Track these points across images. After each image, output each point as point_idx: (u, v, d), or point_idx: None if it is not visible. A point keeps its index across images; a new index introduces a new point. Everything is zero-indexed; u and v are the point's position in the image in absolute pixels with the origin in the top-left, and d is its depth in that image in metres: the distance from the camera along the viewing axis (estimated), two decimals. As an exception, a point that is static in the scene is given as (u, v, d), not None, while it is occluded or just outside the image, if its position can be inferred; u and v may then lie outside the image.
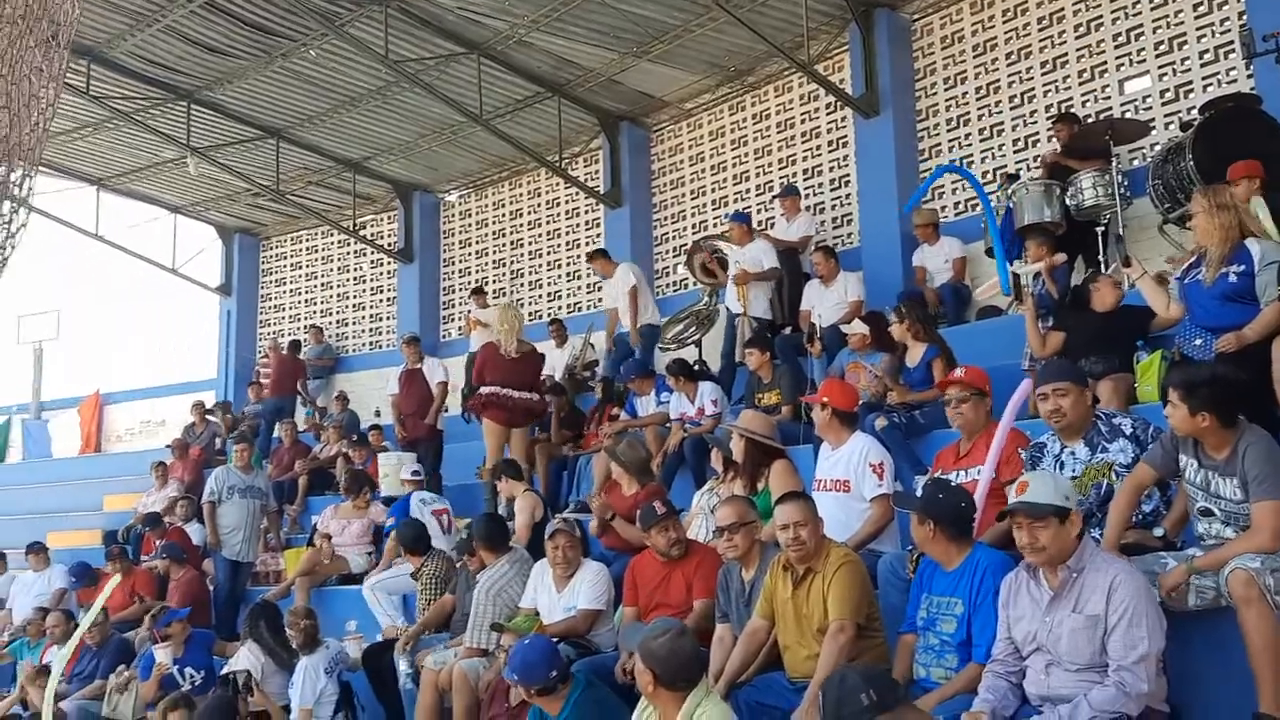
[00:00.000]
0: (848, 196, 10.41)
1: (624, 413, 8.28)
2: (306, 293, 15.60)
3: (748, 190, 11.31)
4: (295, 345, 14.04)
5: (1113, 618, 2.99)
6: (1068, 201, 7.51)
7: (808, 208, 10.21)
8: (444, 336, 14.02)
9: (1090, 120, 8.53)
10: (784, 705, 3.81)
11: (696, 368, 8.81)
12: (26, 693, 7.44)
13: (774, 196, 10.29)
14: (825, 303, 8.53)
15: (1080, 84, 9.02)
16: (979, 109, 9.63)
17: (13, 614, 9.73)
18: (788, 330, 8.91)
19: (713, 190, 11.65)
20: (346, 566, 8.53)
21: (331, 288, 15.40)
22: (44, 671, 7.47)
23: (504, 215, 13.74)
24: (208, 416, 13.44)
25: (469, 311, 13.27)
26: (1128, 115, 8.55)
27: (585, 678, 4.18)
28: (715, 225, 11.42)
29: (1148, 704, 2.97)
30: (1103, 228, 7.45)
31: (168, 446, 12.86)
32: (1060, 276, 6.38)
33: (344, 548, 8.60)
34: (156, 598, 8.71)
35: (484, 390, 8.25)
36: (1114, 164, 7.35)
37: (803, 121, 10.89)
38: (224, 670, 6.43)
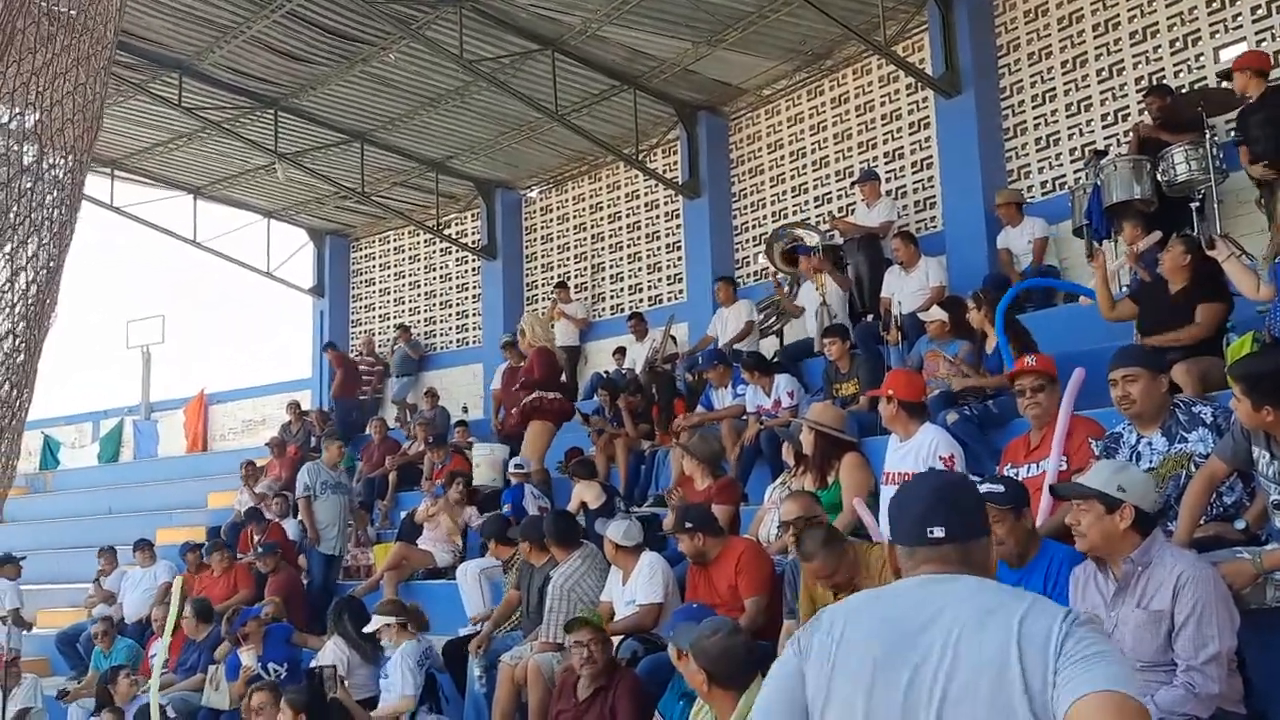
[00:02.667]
0: (930, 179, 10.16)
1: (700, 406, 8.23)
2: (395, 292, 15.93)
3: (827, 176, 11.13)
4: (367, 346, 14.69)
5: (1180, 615, 2.84)
6: (1159, 177, 7.19)
7: (888, 192, 10.00)
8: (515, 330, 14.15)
9: (1184, 91, 8.15)
10: None
11: (775, 360, 8.74)
12: (115, 684, 7.74)
13: (854, 182, 10.10)
14: (905, 289, 8.35)
15: (1172, 54, 8.62)
16: (1065, 84, 9.28)
17: (124, 608, 10.17)
18: (868, 318, 8.77)
19: (792, 177, 11.49)
20: (433, 561, 8.68)
21: (419, 286, 15.69)
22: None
23: (584, 209, 13.80)
24: (303, 415, 13.89)
25: (552, 304, 13.44)
26: (1223, 85, 8.13)
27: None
28: (795, 213, 11.27)
29: (1220, 705, 2.82)
30: (1197, 204, 7.11)
31: (266, 445, 13.31)
32: (1150, 259, 6.10)
33: (432, 542, 8.76)
34: (255, 592, 9.00)
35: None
36: (1208, 136, 7.00)
37: (882, 104, 10.66)
38: (312, 664, 6.61)
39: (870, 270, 9.12)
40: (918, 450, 4.64)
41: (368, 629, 6.53)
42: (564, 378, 10.18)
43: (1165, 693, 2.81)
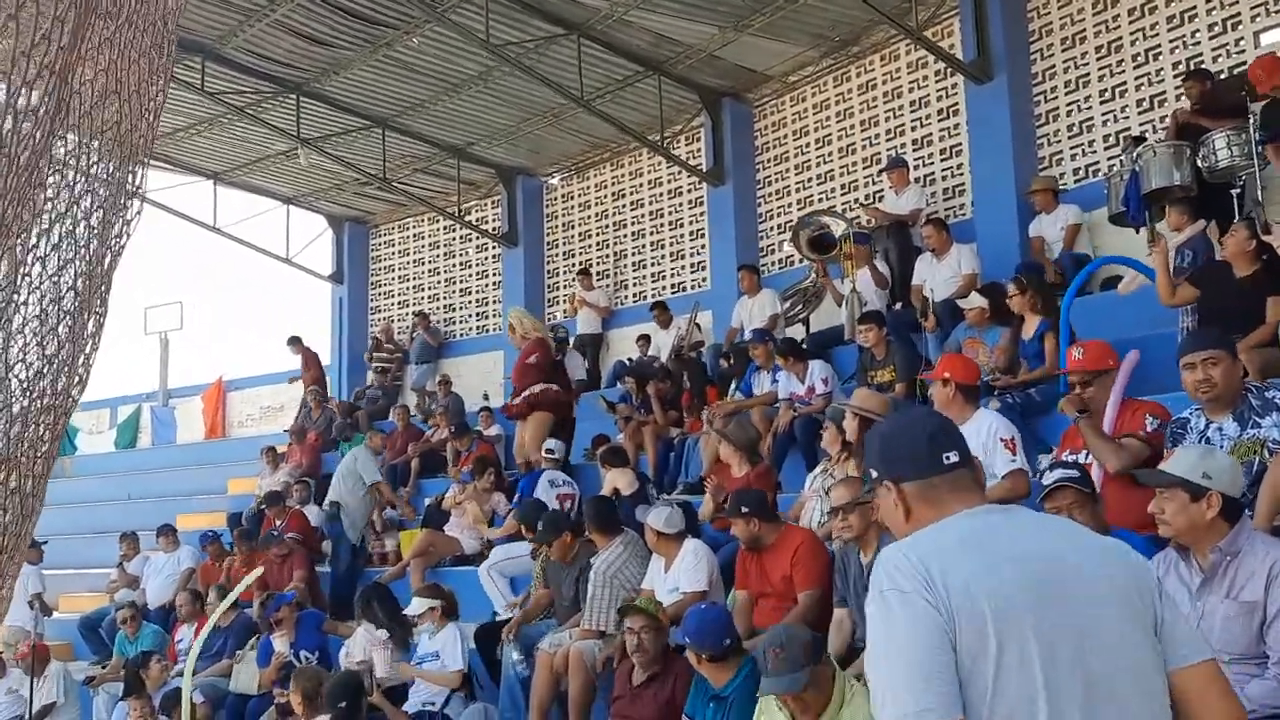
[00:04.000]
0: (959, 167, 10.05)
1: (738, 392, 8.16)
2: (414, 279, 15.88)
3: (854, 164, 11.03)
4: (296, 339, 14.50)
5: (1273, 607, 2.76)
6: (1199, 163, 7.08)
7: (917, 180, 9.90)
8: (549, 319, 14.08)
9: (1223, 77, 8.02)
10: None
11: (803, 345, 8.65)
12: (147, 669, 7.72)
13: (881, 170, 10.01)
14: (937, 277, 8.24)
15: (1211, 38, 8.49)
16: (1100, 69, 9.16)
17: (146, 594, 10.16)
18: (898, 306, 8.68)
19: (818, 164, 11.39)
20: (459, 548, 8.64)
21: (438, 273, 15.64)
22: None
23: (606, 197, 13.72)
24: (324, 402, 13.86)
25: (574, 293, 13.38)
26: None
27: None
28: (820, 201, 11.17)
29: (1312, 700, 2.74)
30: (1238, 190, 6.99)
31: (286, 431, 13.30)
32: (1199, 245, 6.00)
33: (459, 529, 8.72)
34: (276, 582, 8.97)
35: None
36: (1251, 122, 6.88)
37: (911, 90, 10.55)
38: (342, 654, 6.58)
39: (900, 258, 9.04)
40: (975, 434, 4.53)
41: (410, 610, 6.49)
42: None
43: (1257, 685, 2.73)
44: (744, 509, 4.71)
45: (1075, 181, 9.15)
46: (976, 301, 6.43)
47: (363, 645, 6.48)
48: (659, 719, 4.45)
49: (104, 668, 9.26)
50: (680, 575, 5.01)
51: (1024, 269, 6.96)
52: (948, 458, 1.81)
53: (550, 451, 8.73)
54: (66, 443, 18.83)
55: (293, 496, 10.72)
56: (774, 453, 7.16)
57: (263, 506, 10.75)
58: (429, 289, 15.71)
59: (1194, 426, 3.67)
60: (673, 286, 12.74)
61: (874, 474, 1.91)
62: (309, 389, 13.78)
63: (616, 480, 6.81)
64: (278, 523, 10.20)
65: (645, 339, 11.73)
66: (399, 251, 16.12)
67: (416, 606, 6.38)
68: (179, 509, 13.01)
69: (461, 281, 15.40)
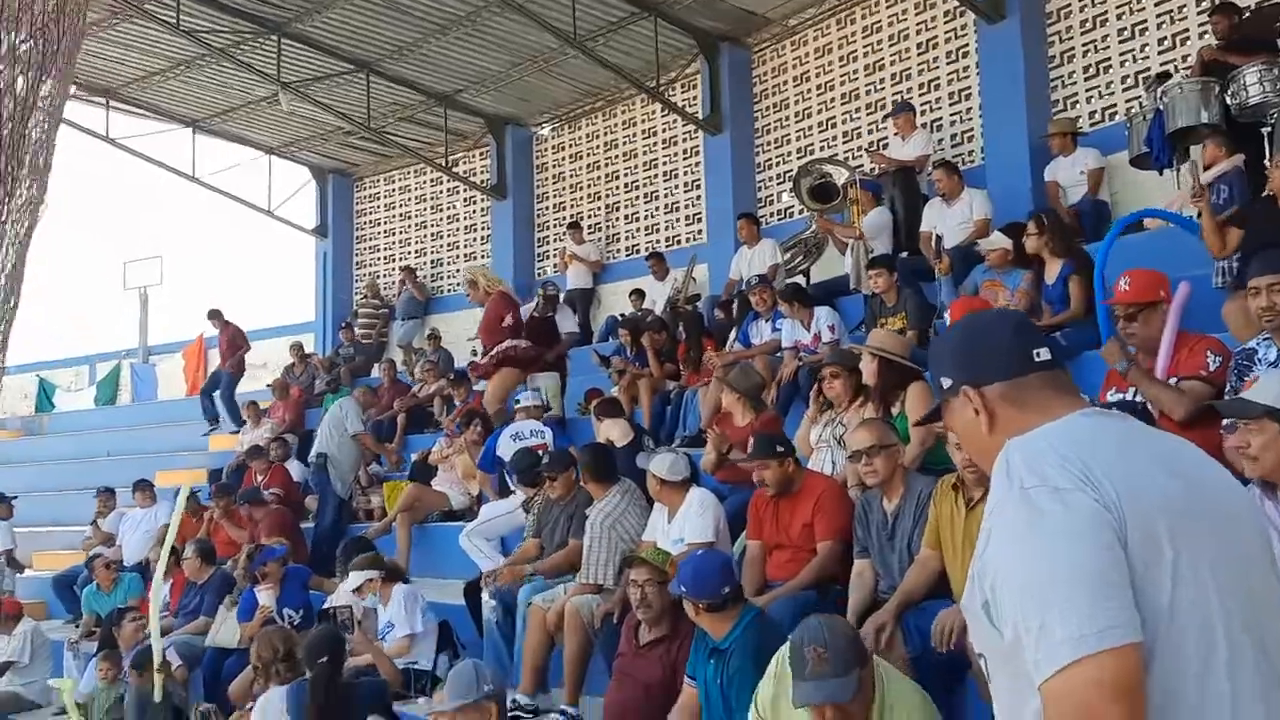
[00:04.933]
0: (968, 112, 9.67)
1: (736, 343, 7.81)
2: (400, 233, 15.44)
3: (857, 110, 10.62)
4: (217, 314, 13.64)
5: None
6: (1229, 100, 6.72)
7: (923, 125, 9.50)
8: (539, 274, 13.69)
9: (1249, 9, 7.64)
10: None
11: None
12: (120, 627, 7.40)
13: (887, 114, 9.61)
14: (948, 222, 7.90)
15: (1237, -27, 8.09)
16: (1118, 7, 8.76)
17: (123, 550, 9.84)
18: (903, 255, 8.35)
19: (819, 111, 10.98)
20: (448, 502, 8.32)
21: (425, 227, 15.20)
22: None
23: (598, 147, 13.28)
24: (306, 358, 13.51)
25: (564, 248, 12.98)
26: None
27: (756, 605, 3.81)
28: (822, 149, 10.78)
29: None
30: (1270, 129, 6.65)
31: (269, 387, 12.94)
32: (1235, 182, 5.66)
33: (447, 484, 8.39)
34: (252, 539, 8.65)
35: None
36: (1285, 56, 6.53)
37: (919, 32, 10.13)
38: (325, 605, 6.25)
39: (907, 206, 8.69)
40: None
41: (346, 586, 6.19)
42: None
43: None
44: (779, 448, 4.37)
45: (1091, 125, 8.78)
46: (999, 242, 6.08)
47: (346, 602, 6.15)
48: (665, 682, 4.14)
49: (77, 626, 8.95)
50: (685, 525, 4.67)
51: (1044, 212, 6.58)
52: (1038, 354, 1.52)
53: (519, 402, 8.39)
54: (44, 399, 18.44)
55: (274, 452, 10.38)
56: (778, 403, 6.82)
57: (244, 461, 10.43)
58: (415, 243, 15.28)
59: (1263, 358, 3.34)
60: (667, 240, 12.35)
61: (946, 383, 1.59)
62: (226, 364, 13.24)
63: (610, 431, 6.47)
64: (259, 478, 9.89)
65: (639, 293, 11.38)
66: (385, 205, 15.67)
67: (352, 581, 6.07)
68: (159, 466, 12.62)
69: (449, 236, 14.97)
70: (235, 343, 13.27)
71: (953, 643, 3.32)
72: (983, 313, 1.71)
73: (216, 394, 13.21)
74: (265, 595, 6.90)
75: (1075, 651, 1.24)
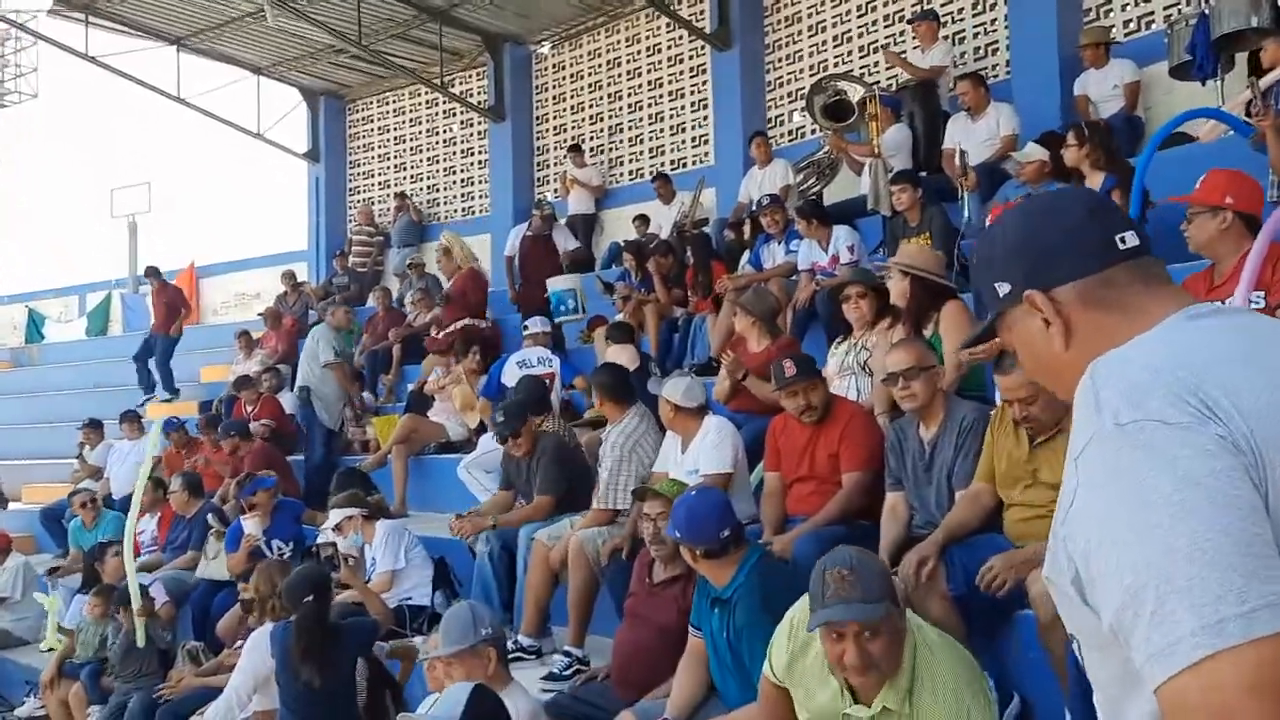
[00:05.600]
0: (993, 22, 9.13)
1: (748, 265, 7.40)
2: (395, 157, 14.91)
3: (874, 22, 10.06)
4: (154, 270, 12.70)
5: None
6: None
7: (945, 36, 8.97)
8: (539, 198, 13.19)
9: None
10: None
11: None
12: (103, 561, 7.13)
13: (909, 20, 9.08)
14: (972, 139, 7.44)
15: None
16: (1158, -93, 8.20)
17: (110, 483, 9.56)
18: (922, 174, 7.90)
19: (834, 25, 10.41)
20: (445, 434, 7.98)
21: (421, 151, 14.67)
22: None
23: (600, 66, 12.71)
24: (298, 286, 13.13)
25: (565, 172, 12.51)
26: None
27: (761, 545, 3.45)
28: (836, 65, 10.24)
29: None
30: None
31: (260, 315, 12.58)
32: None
33: (444, 415, 8.05)
34: (235, 473, 8.34)
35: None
36: (1345, -47, 6.02)
37: (940, -62, 9.54)
38: (314, 542, 5.96)
39: (927, 122, 8.23)
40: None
41: (326, 525, 5.89)
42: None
43: None
44: (815, 372, 4.00)
45: (1125, 35, 8.27)
46: (1036, 154, 5.64)
47: (329, 537, 5.86)
48: (679, 624, 3.81)
49: (65, 560, 8.70)
50: (700, 455, 4.31)
51: (1085, 122, 6.13)
52: (1123, 239, 1.15)
53: (527, 328, 8.02)
54: (34, 330, 18.07)
55: (266, 383, 10.04)
56: (794, 329, 6.44)
57: (234, 393, 10.10)
58: (411, 168, 14.77)
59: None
60: (673, 162, 11.85)
61: (1002, 289, 1.21)
62: (164, 327, 12.12)
63: (618, 357, 6.10)
64: (248, 409, 9.56)
65: (643, 219, 10.94)
66: (379, 128, 15.11)
67: (333, 519, 5.76)
68: (149, 398, 12.31)
69: (446, 160, 14.44)
70: (175, 304, 12.22)
71: (1002, 592, 2.98)
72: (1045, 194, 1.30)
73: (151, 361, 12.10)
74: (252, 524, 6.63)
75: (1212, 643, 0.87)
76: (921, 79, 8.35)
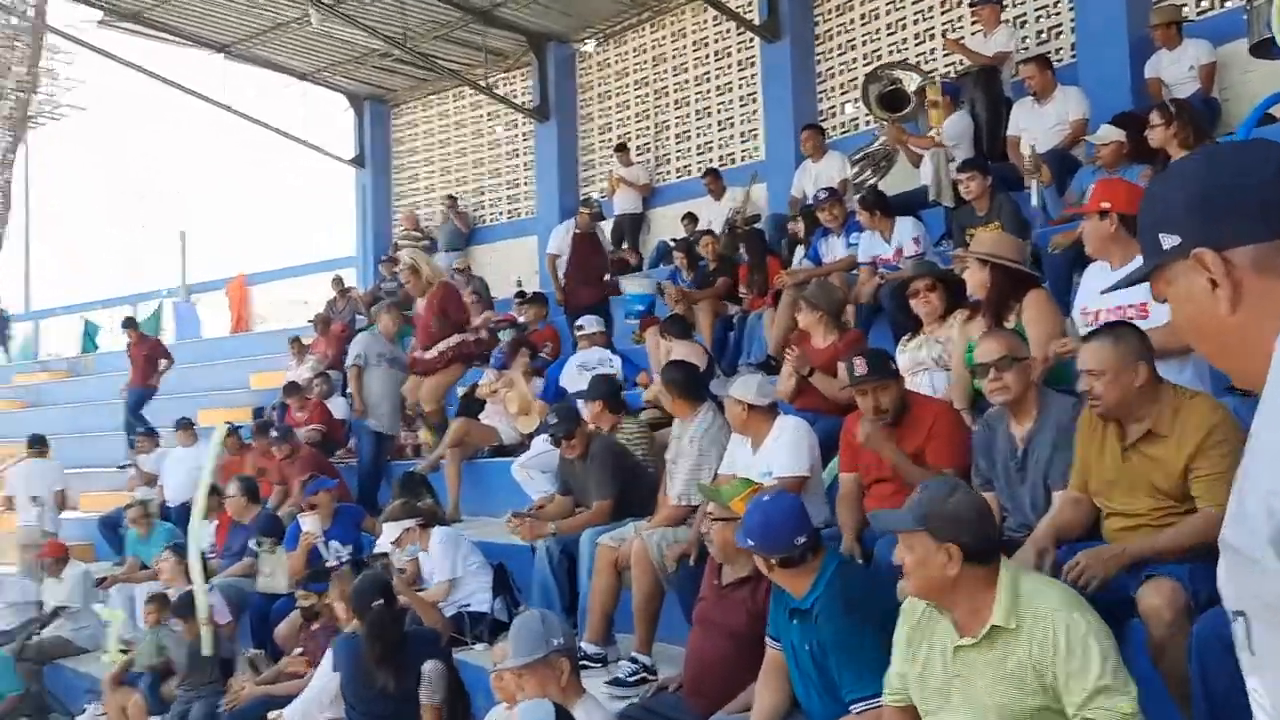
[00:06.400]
0: (1056, 4, 8.84)
1: (805, 260, 7.20)
2: (440, 160, 14.87)
3: (929, 8, 9.79)
4: (132, 322, 12.43)
5: None
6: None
7: (1006, 20, 8.69)
8: (585, 197, 13.08)
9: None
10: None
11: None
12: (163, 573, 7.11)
13: (970, 5, 8.81)
14: (1040, 124, 7.18)
15: None
16: (1228, -120, 7.87)
17: (165, 490, 9.57)
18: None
19: (887, 12, 10.15)
20: (497, 437, 7.86)
21: (465, 154, 14.61)
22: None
23: (646, 63, 12.55)
24: (346, 291, 13.14)
25: (611, 171, 12.37)
26: None
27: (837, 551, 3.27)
28: (890, 55, 9.99)
29: None
30: None
31: (310, 322, 12.59)
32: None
33: (496, 418, 7.93)
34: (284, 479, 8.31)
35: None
36: None
37: (998, -80, 9.24)
38: (373, 551, 5.88)
39: (989, 109, 7.96)
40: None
41: (381, 541, 5.79)
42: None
43: None
44: (892, 366, 3.81)
45: (1199, 14, 7.96)
46: (1112, 135, 5.39)
47: (385, 548, 5.78)
48: (750, 629, 3.64)
49: (122, 568, 8.73)
50: (774, 456, 4.11)
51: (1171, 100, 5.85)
52: None
53: (581, 329, 7.85)
54: (89, 340, 18.30)
55: (316, 389, 10.02)
56: (857, 325, 6.22)
57: (285, 400, 10.09)
58: (456, 171, 14.71)
59: None
60: (721, 158, 11.65)
61: (1168, 242, 1.09)
62: (141, 379, 11.72)
63: (684, 354, 5.93)
64: (299, 415, 9.54)
65: (691, 217, 10.76)
66: (424, 132, 15.08)
67: (389, 533, 5.66)
68: (203, 404, 12.39)
69: (490, 162, 14.37)
70: (154, 357, 11.84)
71: (1090, 589, 2.76)
72: (1230, 145, 1.14)
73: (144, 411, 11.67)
74: (310, 522, 6.60)
75: None
76: (983, 65, 8.09)
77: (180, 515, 8.92)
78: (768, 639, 3.46)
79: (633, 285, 8.86)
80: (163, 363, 11.87)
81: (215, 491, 7.96)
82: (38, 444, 9.73)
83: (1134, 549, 2.82)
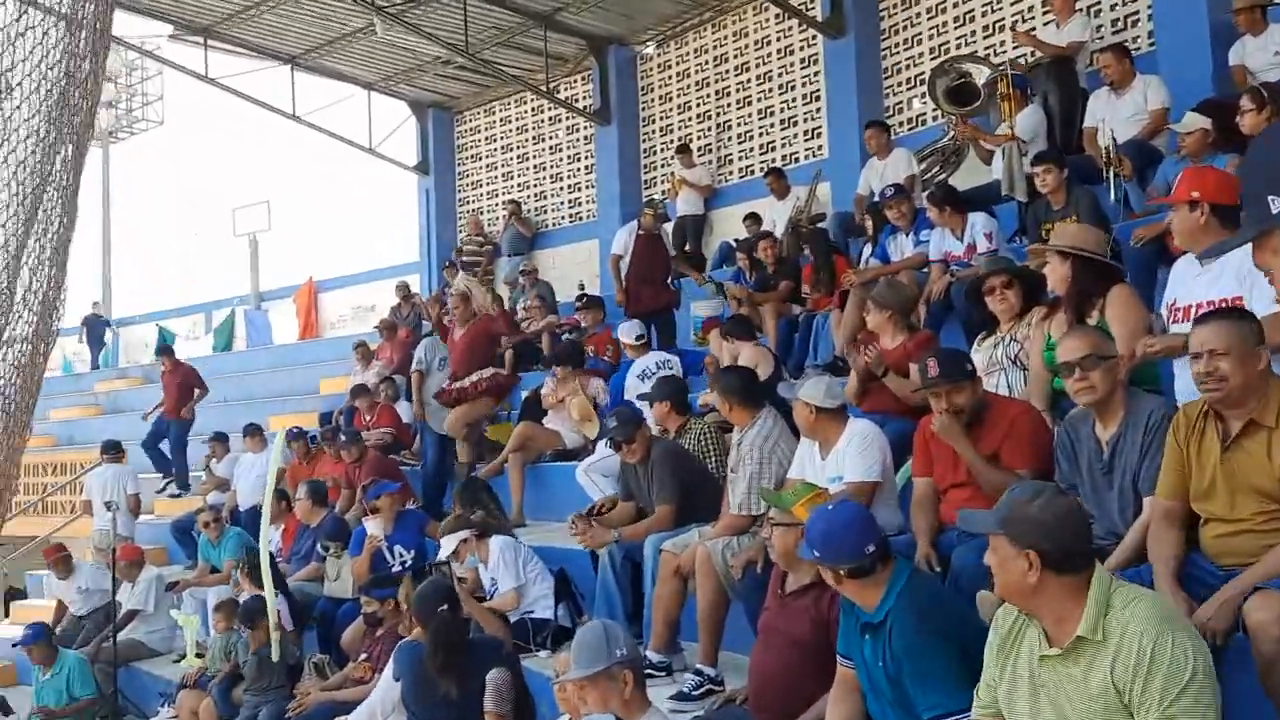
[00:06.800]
0: (1132, -9, 8.55)
1: (872, 259, 7.02)
2: (503, 166, 14.92)
3: (999, 1, 9.53)
4: (168, 349, 12.36)
5: None
6: None
7: (1080, 9, 8.41)
8: (648, 199, 13.01)
9: None
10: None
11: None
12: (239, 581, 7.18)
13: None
14: (1117, 115, 6.90)
15: None
16: None
17: (237, 494, 9.71)
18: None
19: (955, 5, 9.91)
20: (561, 441, 7.81)
21: (527, 159, 14.63)
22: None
23: (707, 63, 12.44)
24: (411, 297, 13.24)
25: (673, 173, 12.28)
26: None
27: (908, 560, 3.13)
28: (959, 47, 9.76)
29: None
30: None
31: (376, 328, 12.70)
32: None
33: (559, 422, 7.88)
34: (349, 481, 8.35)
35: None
36: None
37: (1070, -94, 8.96)
38: (431, 561, 5.86)
39: (1064, 101, 7.69)
40: (1237, 267, 3.33)
41: (442, 554, 5.76)
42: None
43: None
44: (969, 366, 3.65)
45: (1286, -4, 7.60)
46: (1197, 122, 5.15)
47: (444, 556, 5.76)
48: (815, 639, 3.51)
49: (194, 572, 8.87)
50: (845, 461, 3.96)
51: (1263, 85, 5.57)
52: None
53: (640, 337, 7.75)
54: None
55: (383, 393, 10.09)
56: (928, 324, 6.03)
57: (353, 404, 10.18)
58: (518, 176, 14.75)
59: None
60: (784, 158, 11.49)
61: None
62: (175, 410, 11.41)
63: (750, 357, 5.81)
64: (367, 418, 9.61)
65: (754, 217, 10.61)
66: (486, 138, 15.15)
67: (447, 546, 5.62)
68: (273, 410, 12.60)
69: (552, 167, 14.38)
70: (188, 384, 11.55)
71: (1219, 641, 2.55)
72: None
73: (164, 445, 11.42)
74: (374, 525, 6.63)
75: None
76: (1057, 56, 7.82)
77: (250, 519, 9.06)
78: (839, 657, 3.33)
79: (702, 308, 8.77)
80: (197, 392, 11.54)
81: (283, 496, 8.06)
82: (112, 449, 9.94)
83: (1247, 579, 2.62)
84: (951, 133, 8.80)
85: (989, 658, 2.60)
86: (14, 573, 11.25)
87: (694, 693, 4.30)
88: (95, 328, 18.88)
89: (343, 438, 8.60)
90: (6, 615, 10.56)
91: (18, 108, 2.48)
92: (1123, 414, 3.16)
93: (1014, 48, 9.14)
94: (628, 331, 7.78)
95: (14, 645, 8.05)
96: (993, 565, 2.38)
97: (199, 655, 7.40)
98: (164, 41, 13.54)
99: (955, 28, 9.90)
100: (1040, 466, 3.47)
